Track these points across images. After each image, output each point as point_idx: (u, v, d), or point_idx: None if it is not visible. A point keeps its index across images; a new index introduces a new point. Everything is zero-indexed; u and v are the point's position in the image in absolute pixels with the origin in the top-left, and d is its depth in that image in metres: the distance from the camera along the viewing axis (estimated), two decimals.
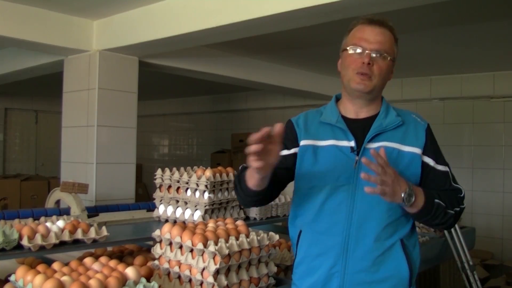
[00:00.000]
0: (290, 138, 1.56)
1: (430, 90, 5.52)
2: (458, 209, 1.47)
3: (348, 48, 1.48)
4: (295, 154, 1.54)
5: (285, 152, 1.55)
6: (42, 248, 1.77)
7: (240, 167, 1.56)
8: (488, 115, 5.33)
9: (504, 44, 3.97)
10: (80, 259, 1.97)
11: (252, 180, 1.39)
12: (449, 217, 1.44)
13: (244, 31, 2.96)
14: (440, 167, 1.49)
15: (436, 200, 1.40)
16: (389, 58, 1.46)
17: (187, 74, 4.44)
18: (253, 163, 1.26)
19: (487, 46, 4.07)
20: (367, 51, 1.44)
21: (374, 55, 1.44)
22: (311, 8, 2.42)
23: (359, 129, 1.48)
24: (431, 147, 1.49)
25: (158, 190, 2.46)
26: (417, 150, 1.46)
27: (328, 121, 1.52)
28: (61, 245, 1.84)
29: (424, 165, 1.47)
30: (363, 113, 1.52)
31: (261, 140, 1.22)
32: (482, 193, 5.32)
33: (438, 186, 1.48)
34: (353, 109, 1.52)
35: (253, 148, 1.22)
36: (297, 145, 1.55)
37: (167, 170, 2.40)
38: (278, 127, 1.26)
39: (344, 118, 1.52)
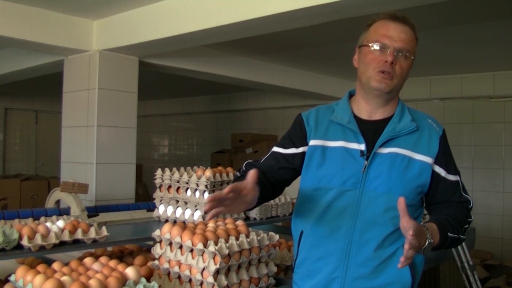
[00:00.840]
0: (299, 135, 1.52)
1: (430, 90, 5.52)
2: (467, 226, 1.45)
3: (370, 44, 1.40)
4: (303, 153, 1.50)
5: (293, 151, 1.51)
6: (42, 248, 1.77)
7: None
8: (488, 115, 5.33)
9: (504, 44, 3.97)
10: (80, 259, 1.97)
11: None
12: (460, 241, 1.42)
13: (244, 31, 2.96)
14: (451, 177, 1.45)
15: (450, 234, 1.35)
16: (411, 58, 1.41)
17: (187, 74, 4.44)
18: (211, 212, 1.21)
19: (487, 46, 4.07)
20: (390, 49, 1.37)
21: (397, 54, 1.38)
22: (311, 8, 2.41)
23: (371, 132, 1.43)
24: (443, 156, 1.44)
25: (158, 190, 2.46)
26: (429, 160, 1.41)
27: (340, 121, 1.46)
28: (61, 245, 1.84)
29: (435, 174, 1.43)
30: (377, 115, 1.46)
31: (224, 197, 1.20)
32: (482, 193, 5.32)
33: (447, 197, 1.46)
34: (367, 109, 1.47)
35: (208, 205, 1.19)
36: (305, 143, 1.50)
37: (167, 170, 2.40)
38: (251, 176, 1.24)
39: (356, 118, 1.46)
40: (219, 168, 2.39)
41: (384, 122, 1.45)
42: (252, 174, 1.26)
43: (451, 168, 1.46)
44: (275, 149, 1.55)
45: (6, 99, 7.67)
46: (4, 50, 4.31)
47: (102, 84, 3.50)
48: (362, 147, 1.41)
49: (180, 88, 6.87)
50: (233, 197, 1.23)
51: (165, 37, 3.11)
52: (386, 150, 1.40)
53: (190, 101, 8.00)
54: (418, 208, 1.47)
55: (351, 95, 1.55)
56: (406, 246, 1.15)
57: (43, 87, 6.58)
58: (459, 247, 3.13)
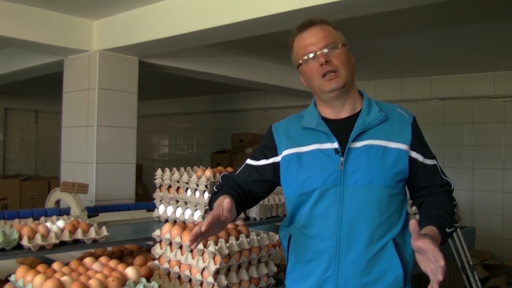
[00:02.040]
0: (269, 146, 1.56)
1: (430, 90, 5.51)
2: (455, 210, 1.48)
3: (300, 61, 1.48)
4: (273, 164, 1.54)
5: (263, 162, 1.55)
6: (42, 248, 1.77)
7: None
8: (488, 115, 5.33)
9: (504, 44, 3.97)
10: (80, 259, 1.97)
11: None
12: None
13: (244, 31, 2.96)
14: (428, 161, 1.48)
15: (448, 230, 1.38)
16: (340, 45, 1.46)
17: (187, 74, 4.44)
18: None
19: (487, 46, 4.07)
20: (318, 53, 1.44)
21: (325, 50, 1.43)
22: (311, 8, 2.42)
23: (341, 129, 1.46)
24: (418, 141, 1.48)
25: (158, 190, 2.46)
26: (404, 146, 1.44)
27: (309, 125, 1.50)
28: (61, 245, 1.84)
29: (413, 161, 1.46)
30: (344, 113, 1.50)
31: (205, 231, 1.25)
32: (482, 193, 5.32)
33: (429, 181, 1.48)
34: (332, 112, 1.51)
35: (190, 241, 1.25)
36: (275, 154, 1.54)
37: (167, 170, 2.40)
38: (226, 205, 1.30)
39: (325, 120, 1.50)
40: (219, 168, 2.39)
41: (353, 118, 1.48)
42: (227, 203, 1.31)
43: (427, 153, 1.50)
44: (248, 161, 1.60)
45: (6, 99, 7.67)
46: (4, 50, 4.31)
47: (102, 84, 3.51)
48: (335, 145, 1.44)
49: (180, 88, 6.88)
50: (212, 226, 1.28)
51: (165, 37, 3.12)
52: (360, 144, 1.43)
53: (190, 101, 8.01)
54: (403, 197, 1.49)
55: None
56: (435, 286, 1.16)
57: (43, 87, 6.58)
58: (459, 246, 3.14)
